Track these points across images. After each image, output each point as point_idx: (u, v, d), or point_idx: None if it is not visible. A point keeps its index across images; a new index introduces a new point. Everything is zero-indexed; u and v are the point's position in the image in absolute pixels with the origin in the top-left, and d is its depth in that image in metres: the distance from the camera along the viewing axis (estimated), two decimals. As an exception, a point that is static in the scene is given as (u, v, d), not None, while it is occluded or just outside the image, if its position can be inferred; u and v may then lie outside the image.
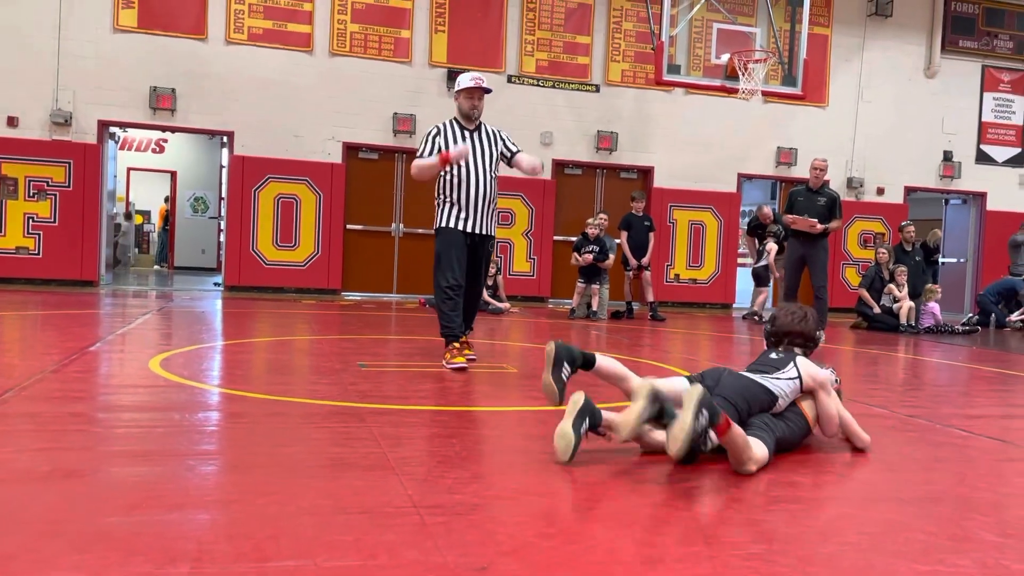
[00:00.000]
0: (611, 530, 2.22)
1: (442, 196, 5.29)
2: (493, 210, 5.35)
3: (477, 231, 5.25)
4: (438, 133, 5.28)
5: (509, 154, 5.41)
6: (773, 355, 3.34)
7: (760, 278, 11.37)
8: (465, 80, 5.28)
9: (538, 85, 12.47)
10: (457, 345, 5.16)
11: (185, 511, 2.22)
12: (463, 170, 5.20)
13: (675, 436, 2.55)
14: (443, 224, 5.24)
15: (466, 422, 3.72)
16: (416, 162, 5.25)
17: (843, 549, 2.17)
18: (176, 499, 2.31)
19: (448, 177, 5.22)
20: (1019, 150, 14.71)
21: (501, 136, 5.44)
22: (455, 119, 5.36)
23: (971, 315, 11.85)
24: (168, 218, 18.29)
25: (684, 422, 2.54)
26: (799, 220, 8.68)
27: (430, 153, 5.21)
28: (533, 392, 4.51)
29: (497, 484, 2.64)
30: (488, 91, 5.36)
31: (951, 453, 3.37)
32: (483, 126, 5.38)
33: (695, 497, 2.59)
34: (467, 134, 5.29)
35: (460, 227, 5.21)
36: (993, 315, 11.79)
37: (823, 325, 8.64)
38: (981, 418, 4.34)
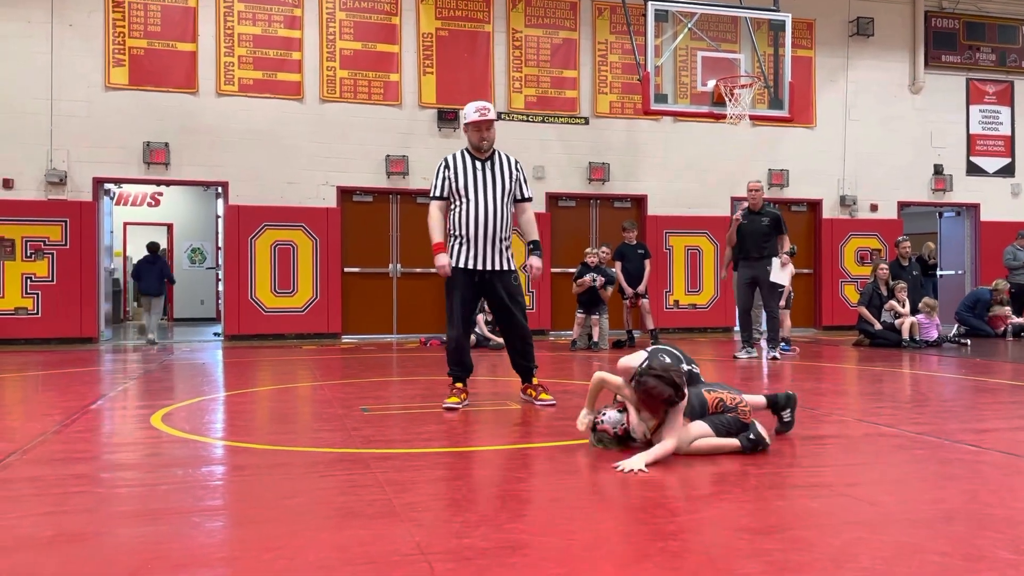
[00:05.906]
0: (623, 569, 2.19)
1: (452, 232, 5.06)
2: (507, 245, 5.08)
3: (486, 267, 5.00)
4: (447, 167, 5.05)
5: (519, 196, 5.15)
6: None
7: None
8: (470, 113, 5.03)
9: (528, 120, 12.59)
10: (459, 386, 5.14)
11: (191, 570, 2.20)
12: (471, 204, 4.97)
13: None
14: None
15: (472, 463, 3.69)
16: (432, 218, 5.04)
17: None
18: (181, 558, 2.29)
19: (457, 211, 5.02)
20: (1009, 160, 14.81)
21: (518, 169, 5.17)
22: (466, 150, 5.12)
23: (958, 327, 11.79)
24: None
25: None
26: (777, 270, 8.69)
27: (440, 191, 5.05)
28: (536, 429, 4.48)
29: (506, 526, 2.61)
30: (496, 119, 5.11)
31: (961, 470, 3.34)
32: (497, 155, 5.12)
33: (702, 524, 2.57)
34: (477, 164, 5.04)
35: (465, 265, 4.98)
36: (969, 326, 11.74)
37: (776, 344, 8.90)
38: (990, 432, 4.31)
